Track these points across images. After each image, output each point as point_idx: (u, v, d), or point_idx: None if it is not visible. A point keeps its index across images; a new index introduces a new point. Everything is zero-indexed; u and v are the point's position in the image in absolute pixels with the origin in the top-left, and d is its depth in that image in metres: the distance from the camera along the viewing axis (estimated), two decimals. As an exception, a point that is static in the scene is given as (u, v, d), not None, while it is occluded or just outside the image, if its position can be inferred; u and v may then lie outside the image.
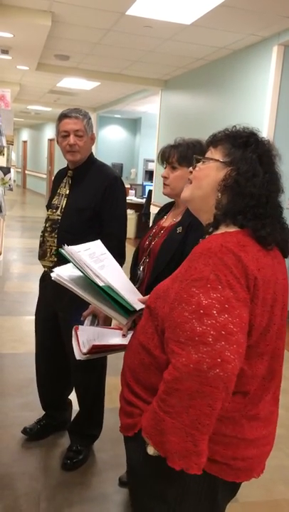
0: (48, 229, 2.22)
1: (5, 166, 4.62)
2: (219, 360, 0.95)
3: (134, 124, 12.50)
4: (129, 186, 10.39)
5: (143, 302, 1.35)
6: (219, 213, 1.14)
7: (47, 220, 2.25)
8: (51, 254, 2.19)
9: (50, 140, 15.89)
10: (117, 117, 12.17)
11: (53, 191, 2.32)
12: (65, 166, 2.33)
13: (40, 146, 17.86)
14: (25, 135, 20.99)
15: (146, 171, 11.68)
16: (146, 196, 8.88)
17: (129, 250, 1.97)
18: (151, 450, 1.07)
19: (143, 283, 1.75)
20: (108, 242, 1.67)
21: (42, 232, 2.26)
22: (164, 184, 1.81)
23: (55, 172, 3.19)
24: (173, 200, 1.88)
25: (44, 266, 2.27)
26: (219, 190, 1.15)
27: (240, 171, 1.13)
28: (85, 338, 1.53)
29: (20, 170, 21.23)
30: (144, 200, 9.03)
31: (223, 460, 1.11)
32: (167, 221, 1.84)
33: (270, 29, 4.50)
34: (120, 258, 1.94)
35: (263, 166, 1.14)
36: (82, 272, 1.36)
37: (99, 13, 4.44)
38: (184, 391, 0.98)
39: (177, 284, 1.10)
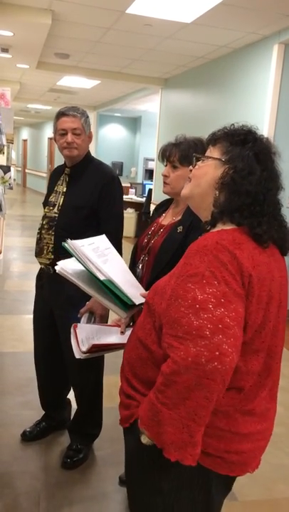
0: (45, 226, 2.22)
1: (5, 164, 4.62)
2: (217, 353, 0.96)
3: (134, 123, 12.50)
4: (129, 185, 10.40)
5: (145, 297, 1.36)
6: (216, 211, 1.15)
7: (44, 217, 2.25)
8: (48, 252, 2.20)
9: (50, 139, 15.88)
10: (117, 116, 12.17)
11: (50, 188, 2.32)
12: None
13: (40, 144, 17.86)
14: (25, 134, 21.00)
15: (146, 170, 11.69)
16: (146, 195, 8.89)
17: (129, 249, 1.97)
18: (145, 439, 1.08)
19: (142, 281, 1.74)
20: None
21: (39, 229, 2.26)
22: (164, 183, 1.80)
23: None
24: (171, 197, 1.87)
25: (41, 263, 2.28)
26: (217, 188, 1.15)
27: (236, 169, 1.13)
28: (83, 335, 1.53)
29: (20, 169, 21.23)
30: (144, 199, 9.05)
31: (216, 453, 1.12)
32: (166, 219, 1.83)
33: (271, 27, 4.49)
34: None
35: (261, 164, 1.14)
36: (83, 265, 1.37)
37: (99, 12, 4.43)
38: (181, 383, 0.99)
39: (173, 280, 1.11)
